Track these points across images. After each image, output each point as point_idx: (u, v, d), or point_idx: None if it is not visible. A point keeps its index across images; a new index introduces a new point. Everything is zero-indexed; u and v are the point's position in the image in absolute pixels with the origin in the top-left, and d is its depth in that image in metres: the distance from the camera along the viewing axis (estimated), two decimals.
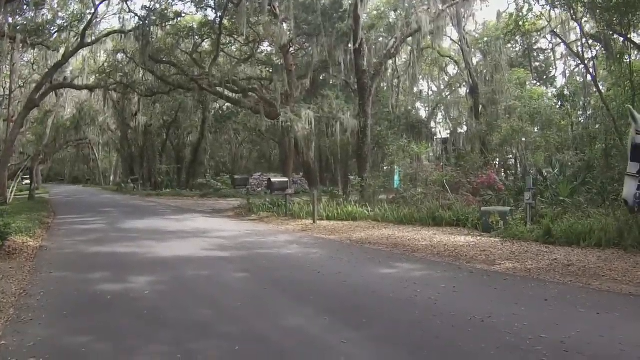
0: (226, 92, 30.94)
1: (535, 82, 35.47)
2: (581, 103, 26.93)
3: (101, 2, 28.67)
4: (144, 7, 28.32)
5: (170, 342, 5.22)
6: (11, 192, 28.85)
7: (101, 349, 5.06)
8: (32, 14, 28.09)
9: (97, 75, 35.20)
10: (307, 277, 8.38)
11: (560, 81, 36.56)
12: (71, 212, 23.62)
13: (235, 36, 32.05)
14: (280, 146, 26.34)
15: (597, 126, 21.75)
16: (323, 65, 29.58)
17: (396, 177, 22.97)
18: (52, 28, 29.38)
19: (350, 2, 23.84)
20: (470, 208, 15.02)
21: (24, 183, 48.24)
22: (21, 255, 10.65)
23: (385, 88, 37.41)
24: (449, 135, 42.55)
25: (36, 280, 8.32)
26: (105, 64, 35.82)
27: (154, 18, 28.37)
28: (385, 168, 29.80)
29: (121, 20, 30.57)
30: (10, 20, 27.25)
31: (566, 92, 28.30)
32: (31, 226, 15.00)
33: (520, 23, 19.28)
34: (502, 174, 23.95)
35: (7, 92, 29.11)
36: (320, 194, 22.93)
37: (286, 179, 29.53)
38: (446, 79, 45.74)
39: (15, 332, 5.52)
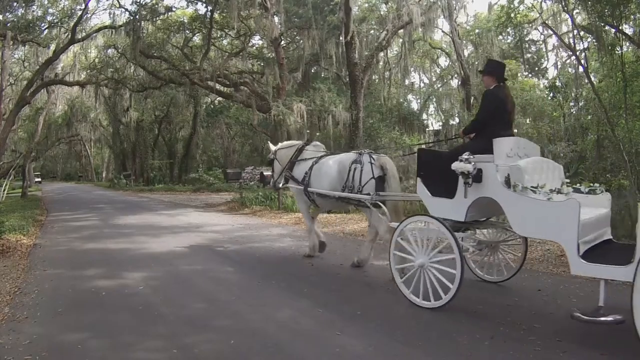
0: (217, 86, 30.83)
1: (527, 73, 35.57)
2: (573, 94, 27.05)
3: None
4: (134, 2, 27.98)
5: (165, 337, 5.25)
6: (4, 190, 28.73)
7: (97, 346, 5.07)
8: (22, 11, 27.93)
9: (88, 71, 34.97)
10: (301, 269, 8.40)
11: (552, 73, 36.67)
12: (64, 209, 23.53)
13: (226, 30, 31.93)
14: (272, 140, 26.38)
15: (589, 117, 21.88)
16: (314, 58, 29.53)
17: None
18: (43, 24, 29.18)
19: None
20: None
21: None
22: (15, 254, 10.62)
23: (377, 80, 37.42)
24: (440, 127, 42.62)
25: (30, 278, 8.32)
26: (96, 60, 35.66)
27: (144, 13, 28.23)
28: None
29: (111, 15, 30.47)
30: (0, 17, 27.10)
31: (558, 83, 28.43)
32: (24, 224, 14.95)
33: (512, 15, 19.29)
34: None
35: None
36: None
37: None
38: (438, 70, 45.77)
39: (11, 331, 5.53)
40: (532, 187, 5.35)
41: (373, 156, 8.12)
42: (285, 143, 10.55)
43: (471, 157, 5.70)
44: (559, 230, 4.97)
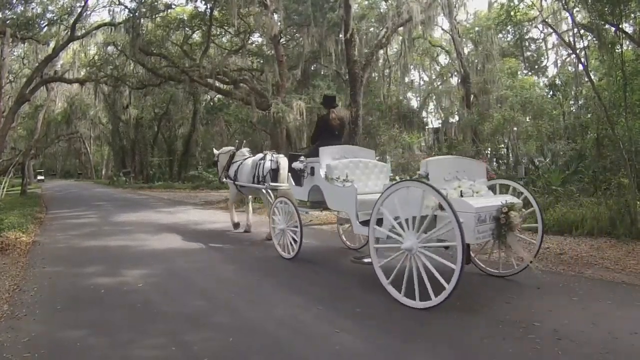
0: (217, 84, 30.81)
1: (526, 71, 35.56)
2: (573, 93, 27.02)
3: None
4: None
5: (164, 334, 5.23)
6: (3, 188, 28.69)
7: (96, 343, 5.06)
8: (22, 8, 27.93)
9: (88, 68, 35.00)
10: (299, 267, 8.39)
11: (551, 71, 36.66)
12: (64, 206, 23.51)
13: (226, 27, 31.96)
14: (271, 137, 26.17)
15: (589, 116, 21.83)
16: (314, 55, 29.52)
17: (387, 167, 23.03)
18: (42, 22, 29.19)
19: None
20: None
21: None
22: (14, 251, 10.60)
23: (377, 78, 37.39)
24: (440, 125, 42.59)
25: (29, 275, 8.30)
26: (96, 57, 35.64)
27: (144, 10, 28.23)
28: (376, 158, 29.85)
29: (111, 12, 30.45)
30: None
31: (558, 81, 28.40)
32: (24, 221, 14.92)
33: (512, 13, 19.24)
34: (494, 163, 24.04)
35: None
36: None
37: None
38: (437, 68, 45.69)
39: (10, 328, 5.52)
40: (335, 178, 8.00)
41: (273, 155, 11.44)
42: (224, 149, 14.06)
43: (304, 159, 8.68)
44: (346, 205, 7.55)
